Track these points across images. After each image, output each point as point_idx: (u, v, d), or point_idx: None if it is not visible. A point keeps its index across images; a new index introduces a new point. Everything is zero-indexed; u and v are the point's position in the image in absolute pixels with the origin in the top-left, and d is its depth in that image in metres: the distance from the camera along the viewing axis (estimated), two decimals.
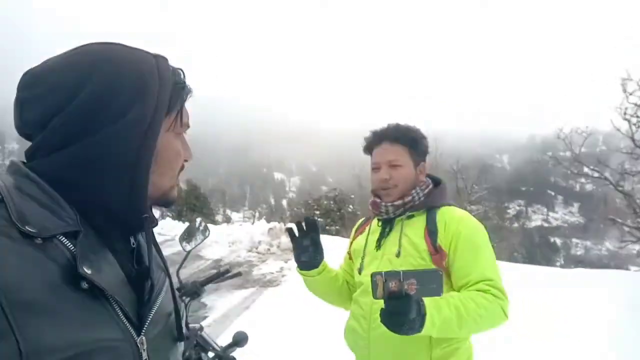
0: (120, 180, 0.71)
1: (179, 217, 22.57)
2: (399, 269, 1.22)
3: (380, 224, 1.80)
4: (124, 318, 0.66)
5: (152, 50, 0.78)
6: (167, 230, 11.61)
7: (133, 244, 0.79)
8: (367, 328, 1.65)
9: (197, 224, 2.11)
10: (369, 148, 1.80)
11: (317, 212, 20.33)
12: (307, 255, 1.79)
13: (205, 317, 5.56)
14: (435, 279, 1.19)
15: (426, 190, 1.74)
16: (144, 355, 0.69)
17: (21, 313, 0.52)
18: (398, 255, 1.65)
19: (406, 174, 1.71)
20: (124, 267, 0.73)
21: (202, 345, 1.85)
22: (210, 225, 13.28)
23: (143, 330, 0.70)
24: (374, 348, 1.63)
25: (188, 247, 2.02)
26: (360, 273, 1.79)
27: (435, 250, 1.60)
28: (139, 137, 0.71)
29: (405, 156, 1.72)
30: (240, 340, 1.98)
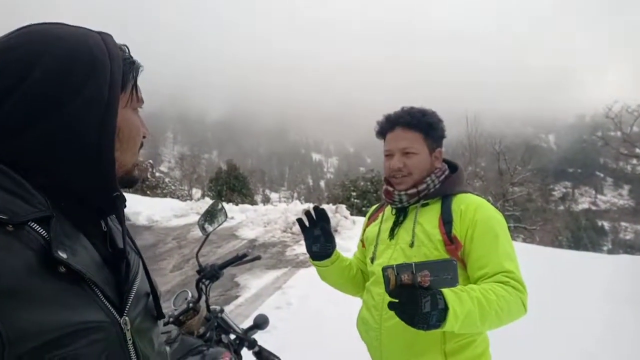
0: (86, 161, 0.70)
1: (218, 197, 23.03)
2: (410, 261, 1.17)
3: (394, 212, 1.74)
4: (104, 300, 0.67)
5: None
6: None
7: (104, 228, 0.79)
8: (378, 319, 1.61)
9: (217, 206, 2.11)
10: (382, 133, 1.73)
11: (354, 194, 20.31)
12: (319, 245, 1.76)
13: (237, 297, 5.66)
14: (449, 269, 1.14)
15: (442, 177, 1.66)
16: (128, 335, 0.70)
17: (0, 300, 0.52)
18: (412, 245, 1.58)
19: (420, 162, 1.64)
20: (98, 250, 0.73)
21: (223, 327, 1.86)
22: (246, 206, 13.52)
23: (125, 311, 0.71)
24: (385, 339, 1.59)
25: (210, 229, 2.02)
26: (372, 262, 1.74)
27: (450, 241, 1.52)
28: (98, 114, 0.70)
29: (419, 143, 1.64)
30: (261, 323, 1.98)
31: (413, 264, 1.14)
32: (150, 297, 0.84)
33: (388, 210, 1.79)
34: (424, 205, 1.65)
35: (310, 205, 11.77)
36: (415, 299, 1.14)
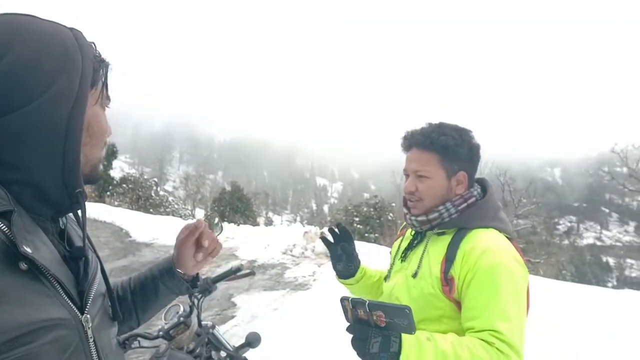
0: (51, 156, 0.69)
1: (221, 217, 22.99)
2: (366, 299, 1.12)
3: (412, 232, 1.64)
4: (66, 297, 0.66)
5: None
6: None
7: (62, 226, 0.79)
8: None
9: (213, 220, 2.09)
10: (405, 150, 1.59)
11: (357, 219, 20.20)
12: (342, 264, 1.77)
13: (233, 317, 5.58)
14: (403, 316, 1.05)
15: (461, 207, 1.48)
16: (90, 333, 0.70)
17: None
18: (415, 275, 1.48)
19: (433, 187, 1.49)
20: (56, 247, 0.72)
21: (214, 343, 1.83)
22: (248, 227, 13.48)
23: (86, 309, 0.70)
24: None
25: None
26: (385, 280, 1.70)
27: (446, 282, 1.39)
28: (67, 109, 0.69)
29: (434, 165, 1.48)
30: (253, 341, 1.94)
31: (367, 302, 1.10)
32: (107, 298, 0.83)
33: (410, 230, 1.69)
34: (439, 233, 1.51)
35: (312, 229, 11.66)
36: (365, 336, 1.10)
